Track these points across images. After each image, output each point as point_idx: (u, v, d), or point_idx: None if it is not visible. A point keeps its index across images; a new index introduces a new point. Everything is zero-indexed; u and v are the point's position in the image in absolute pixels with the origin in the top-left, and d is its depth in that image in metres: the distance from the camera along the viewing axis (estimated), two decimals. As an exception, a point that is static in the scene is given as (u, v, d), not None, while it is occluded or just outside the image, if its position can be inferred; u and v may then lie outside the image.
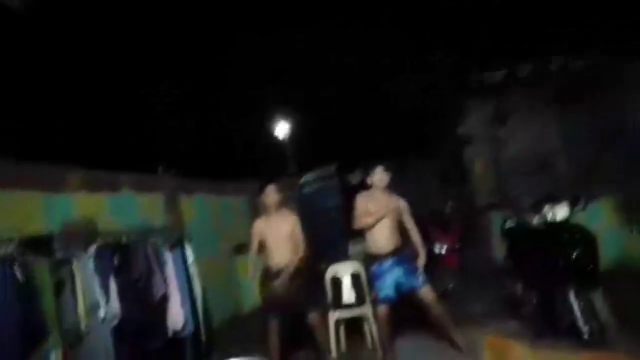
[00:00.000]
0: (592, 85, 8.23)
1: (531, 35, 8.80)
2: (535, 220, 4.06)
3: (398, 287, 4.30)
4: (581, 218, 4.09)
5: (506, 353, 1.68)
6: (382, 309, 4.34)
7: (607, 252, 6.08)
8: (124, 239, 3.89)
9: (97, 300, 3.28)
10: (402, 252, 4.39)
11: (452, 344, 4.27)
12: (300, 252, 4.52)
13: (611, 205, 6.46)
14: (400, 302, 4.40)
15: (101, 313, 3.26)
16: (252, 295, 7.63)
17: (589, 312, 3.67)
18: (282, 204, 4.64)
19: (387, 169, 4.44)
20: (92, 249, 3.45)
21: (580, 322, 3.65)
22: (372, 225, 4.34)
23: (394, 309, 4.38)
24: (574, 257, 3.72)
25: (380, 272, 4.33)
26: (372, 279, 4.43)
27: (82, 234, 3.82)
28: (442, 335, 4.40)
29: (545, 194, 4.26)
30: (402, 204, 4.48)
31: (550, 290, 4.00)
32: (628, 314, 3.63)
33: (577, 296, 3.71)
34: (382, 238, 4.35)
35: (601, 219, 6.37)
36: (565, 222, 3.90)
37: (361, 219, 4.35)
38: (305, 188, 11.34)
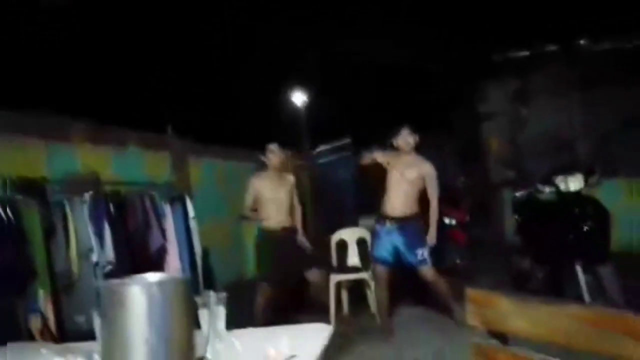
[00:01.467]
0: (618, 69, 7.98)
1: (558, 15, 8.51)
2: (547, 191, 3.88)
3: (396, 254, 4.17)
4: (597, 196, 3.92)
5: (490, 305, 1.57)
6: (380, 270, 4.23)
7: (622, 232, 5.99)
8: (122, 190, 3.85)
9: (91, 246, 3.26)
10: (410, 222, 4.17)
11: (451, 316, 4.18)
12: (296, 215, 4.49)
13: (629, 188, 6.25)
14: (399, 269, 4.29)
15: (94, 258, 3.24)
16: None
17: (597, 287, 3.53)
18: (285, 166, 4.54)
19: (413, 131, 4.20)
20: (87, 196, 3.41)
21: (586, 297, 3.51)
22: (388, 187, 4.22)
23: (393, 274, 4.27)
24: (584, 230, 3.57)
25: (382, 233, 4.20)
26: (374, 237, 4.35)
27: (82, 184, 3.79)
28: (443, 307, 4.31)
29: (559, 165, 4.09)
30: (429, 169, 4.18)
31: (558, 264, 3.85)
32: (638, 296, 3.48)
33: (584, 271, 3.56)
34: (396, 201, 4.16)
35: (618, 199, 6.21)
36: (578, 194, 3.72)
37: (366, 160, 4.30)
38: (320, 159, 11.29)
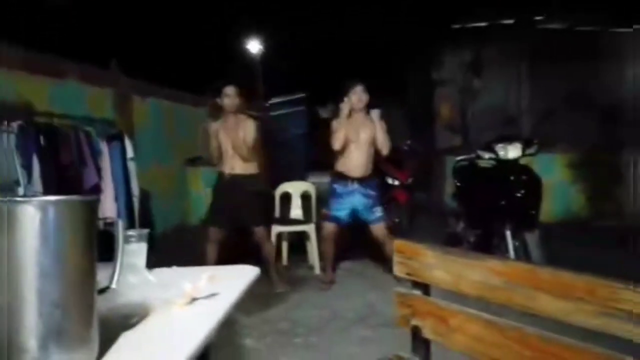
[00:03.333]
0: (566, 49, 8.24)
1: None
2: (487, 157, 3.99)
3: (353, 213, 4.25)
4: (536, 168, 4.09)
5: (415, 257, 1.60)
6: (330, 227, 4.29)
7: (555, 203, 6.32)
8: (55, 122, 3.63)
9: (17, 178, 3.08)
10: (369, 182, 4.28)
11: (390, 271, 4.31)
12: (258, 160, 4.29)
13: (565, 162, 6.56)
14: (351, 225, 4.38)
15: (20, 191, 3.07)
16: (200, 208, 7.56)
17: (522, 252, 3.71)
18: (242, 109, 4.37)
19: (366, 90, 4.19)
20: (15, 124, 3.19)
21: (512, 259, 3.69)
22: (345, 148, 4.20)
23: (342, 230, 4.35)
24: (517, 196, 3.71)
25: (341, 193, 4.23)
26: (331, 196, 4.33)
27: (11, 112, 3.55)
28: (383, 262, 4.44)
29: (501, 135, 4.20)
30: (375, 114, 4.24)
31: (489, 229, 4.01)
32: (558, 262, 3.68)
33: (513, 236, 3.73)
34: (354, 161, 4.21)
35: (554, 172, 6.51)
36: (515, 163, 3.85)
37: (338, 141, 4.17)
38: (274, 111, 11.12)
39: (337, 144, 4.17)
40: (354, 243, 5.02)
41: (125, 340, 0.99)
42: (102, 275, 0.95)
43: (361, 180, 4.23)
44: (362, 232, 4.45)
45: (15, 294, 0.74)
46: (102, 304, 0.96)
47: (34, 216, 0.73)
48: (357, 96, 4.17)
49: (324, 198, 5.03)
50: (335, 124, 4.25)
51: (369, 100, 4.23)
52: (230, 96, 4.12)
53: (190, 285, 1.26)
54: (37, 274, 0.73)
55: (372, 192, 4.26)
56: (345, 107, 4.21)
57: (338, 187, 4.27)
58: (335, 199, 4.28)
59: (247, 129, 4.16)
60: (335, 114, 4.39)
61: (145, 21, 8.91)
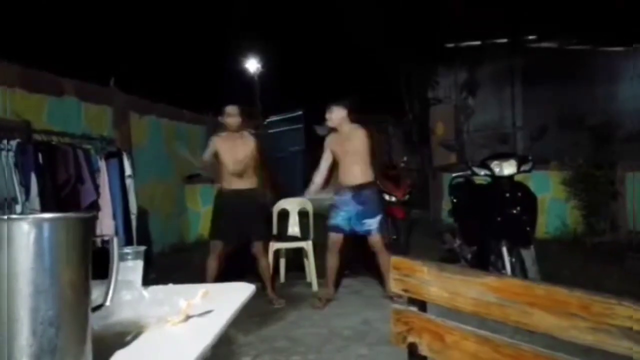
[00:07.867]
0: (561, 66, 8.35)
1: (510, 11, 8.78)
2: (482, 174, 4.00)
3: (351, 223, 4.27)
4: (530, 185, 4.10)
5: (412, 273, 1.61)
6: (333, 236, 4.32)
7: (549, 220, 6.32)
8: (53, 140, 3.64)
9: (15, 196, 3.08)
10: (363, 190, 4.28)
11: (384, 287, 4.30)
12: (258, 177, 4.41)
13: (560, 179, 6.57)
14: (352, 237, 4.39)
15: (18, 209, 3.06)
16: (197, 226, 7.55)
17: (519, 268, 3.70)
18: (244, 127, 4.47)
19: (341, 105, 4.29)
20: (14, 142, 3.20)
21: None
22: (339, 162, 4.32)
23: (346, 242, 4.36)
24: (513, 213, 3.71)
25: (339, 203, 4.31)
26: (330, 207, 4.42)
27: (9, 129, 3.56)
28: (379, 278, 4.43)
29: (495, 151, 4.23)
30: (362, 132, 4.34)
31: (485, 245, 4.01)
32: (554, 278, 3.69)
33: (509, 252, 3.72)
34: (347, 171, 4.30)
35: (549, 189, 6.52)
36: (510, 179, 3.86)
37: (322, 164, 4.38)
38: (272, 128, 11.19)
39: (321, 166, 4.42)
40: (354, 260, 5.01)
41: (119, 358, 0.99)
42: (98, 292, 0.96)
43: (355, 189, 4.26)
44: (362, 249, 4.44)
45: (8, 311, 0.74)
46: (96, 321, 0.96)
47: (28, 234, 0.74)
48: (334, 114, 4.31)
49: (322, 215, 5.03)
50: (326, 140, 4.42)
51: (347, 115, 4.30)
52: (232, 115, 4.27)
53: (184, 303, 1.26)
54: (31, 291, 0.74)
55: (366, 200, 4.26)
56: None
57: (336, 198, 4.37)
58: (334, 209, 4.35)
59: (249, 146, 4.30)
60: (330, 131, 4.48)
61: (144, 40, 8.99)
